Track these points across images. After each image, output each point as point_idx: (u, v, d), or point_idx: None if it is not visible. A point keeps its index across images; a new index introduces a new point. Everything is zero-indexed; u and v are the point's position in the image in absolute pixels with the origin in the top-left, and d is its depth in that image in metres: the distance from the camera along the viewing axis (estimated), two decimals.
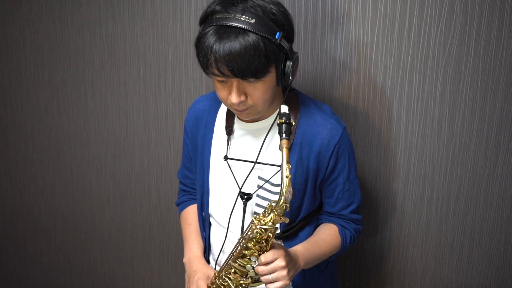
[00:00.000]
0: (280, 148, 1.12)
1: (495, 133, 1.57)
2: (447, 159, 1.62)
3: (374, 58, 1.58)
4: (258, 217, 1.16)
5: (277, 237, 1.33)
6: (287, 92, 1.28)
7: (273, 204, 1.14)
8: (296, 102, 1.31)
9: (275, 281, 1.15)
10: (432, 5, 1.50)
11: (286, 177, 1.09)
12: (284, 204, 1.12)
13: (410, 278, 1.76)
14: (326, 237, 1.34)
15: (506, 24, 1.47)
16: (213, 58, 1.10)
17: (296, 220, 1.35)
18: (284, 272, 1.15)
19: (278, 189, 1.30)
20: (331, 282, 1.49)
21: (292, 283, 1.38)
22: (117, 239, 2.11)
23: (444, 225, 1.68)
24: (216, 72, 1.12)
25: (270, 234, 1.16)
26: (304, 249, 1.27)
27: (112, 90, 1.92)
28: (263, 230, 1.15)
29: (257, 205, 1.33)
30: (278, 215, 1.14)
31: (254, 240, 1.17)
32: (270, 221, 1.14)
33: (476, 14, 1.48)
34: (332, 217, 1.38)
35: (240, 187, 1.32)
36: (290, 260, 1.18)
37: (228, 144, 1.34)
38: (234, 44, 1.07)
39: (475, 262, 1.69)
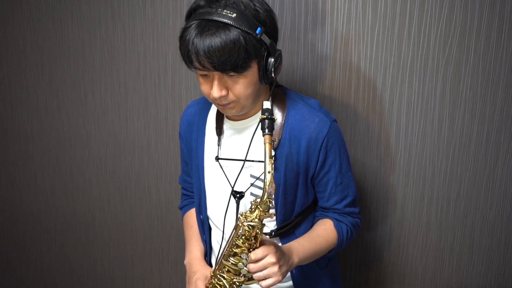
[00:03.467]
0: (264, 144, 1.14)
1: (495, 134, 1.57)
2: (447, 159, 1.62)
3: (374, 58, 1.58)
4: (244, 214, 1.17)
5: (273, 234, 1.34)
6: (273, 89, 1.29)
7: (258, 200, 1.15)
8: (283, 98, 1.32)
9: (267, 278, 1.15)
10: (432, 5, 1.50)
11: (269, 172, 1.11)
12: (267, 200, 1.13)
13: (410, 278, 1.76)
14: (321, 232, 1.33)
15: (506, 24, 1.47)
16: (193, 51, 1.12)
17: (292, 217, 1.35)
18: (275, 269, 1.14)
19: None
20: (333, 280, 1.49)
21: (292, 282, 1.38)
22: (117, 239, 2.11)
23: (444, 225, 1.68)
24: (197, 65, 1.15)
25: (258, 230, 1.16)
26: (298, 245, 1.27)
27: (112, 90, 1.92)
28: (250, 227, 1.15)
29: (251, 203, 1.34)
30: (263, 211, 1.15)
31: (243, 237, 1.17)
32: (256, 217, 1.15)
33: (476, 14, 1.48)
34: (327, 212, 1.37)
35: (232, 186, 1.32)
36: (282, 256, 1.18)
37: (218, 145, 1.36)
38: (214, 38, 1.10)
39: (475, 262, 1.69)
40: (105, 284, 2.20)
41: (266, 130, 1.15)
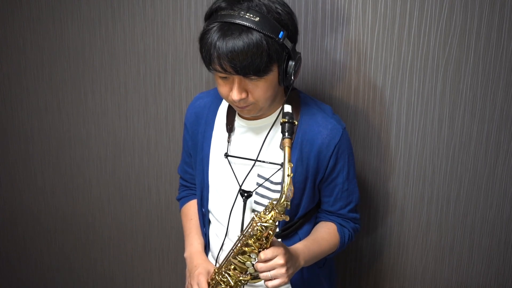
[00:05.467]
0: (282, 147, 1.14)
1: (495, 133, 1.57)
2: (447, 159, 1.62)
3: (374, 58, 1.58)
4: (259, 214, 1.17)
5: (276, 235, 1.34)
6: (289, 92, 1.28)
7: (274, 202, 1.15)
8: (298, 101, 1.32)
9: (274, 279, 1.16)
10: (432, 5, 1.50)
11: (288, 175, 1.10)
12: (285, 202, 1.13)
13: (410, 278, 1.76)
14: (325, 235, 1.35)
15: (506, 24, 1.47)
16: (215, 54, 1.11)
17: (295, 218, 1.36)
18: (283, 270, 1.15)
19: (277, 187, 1.31)
20: (330, 278, 1.50)
21: (291, 281, 1.39)
22: (117, 239, 2.11)
23: (444, 225, 1.68)
24: (219, 68, 1.13)
25: (270, 231, 1.17)
26: (305, 247, 1.28)
27: (112, 90, 1.92)
28: (263, 227, 1.16)
29: (256, 202, 1.34)
30: (279, 213, 1.15)
31: (254, 237, 1.18)
32: (270, 218, 1.15)
33: (476, 14, 1.48)
34: (331, 216, 1.39)
35: (240, 184, 1.32)
36: (290, 258, 1.18)
37: (228, 142, 1.35)
38: (237, 42, 1.09)
39: (475, 262, 1.69)
40: (105, 284, 2.20)
41: (287, 134, 1.14)
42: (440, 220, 1.68)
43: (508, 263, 1.68)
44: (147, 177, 1.98)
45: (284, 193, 1.11)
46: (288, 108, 1.18)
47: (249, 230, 1.18)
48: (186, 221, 1.52)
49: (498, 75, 1.52)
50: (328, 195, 1.36)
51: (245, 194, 1.31)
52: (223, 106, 1.39)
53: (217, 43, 1.10)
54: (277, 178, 1.30)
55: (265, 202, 1.33)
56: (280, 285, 1.16)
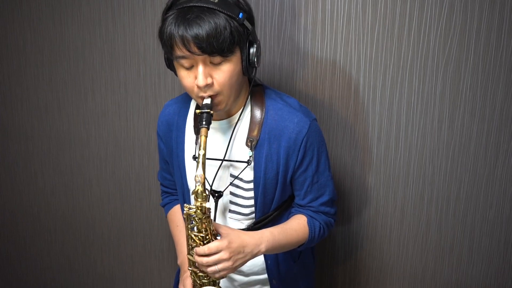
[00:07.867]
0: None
1: (495, 133, 1.57)
2: (447, 159, 1.62)
3: (374, 58, 1.58)
4: (187, 206, 1.18)
5: (249, 229, 1.35)
6: (251, 87, 1.29)
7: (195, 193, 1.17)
8: (262, 97, 1.32)
9: (221, 271, 1.18)
10: (432, 5, 1.50)
11: (198, 162, 1.12)
12: (199, 188, 1.14)
13: (410, 278, 1.76)
14: (294, 226, 1.35)
15: (506, 24, 1.47)
16: (179, 36, 1.12)
17: (269, 211, 1.37)
18: (228, 264, 1.17)
19: (250, 186, 1.32)
20: (306, 271, 1.51)
21: (268, 274, 1.42)
22: (117, 239, 2.11)
23: (444, 225, 1.68)
24: (184, 50, 1.13)
25: (205, 222, 1.18)
26: (270, 235, 1.28)
27: (112, 90, 1.92)
28: (196, 219, 1.17)
29: (231, 202, 1.36)
30: (200, 201, 1.16)
31: (195, 229, 1.19)
32: (197, 208, 1.16)
33: (476, 14, 1.48)
34: (302, 209, 1.39)
35: (210, 185, 1.34)
36: (237, 251, 1.19)
37: (196, 144, 1.36)
38: (200, 20, 1.11)
39: (475, 262, 1.69)
40: (105, 284, 2.20)
41: (204, 123, 1.15)
42: (440, 220, 1.68)
43: (508, 263, 1.68)
44: (147, 177, 1.98)
45: (195, 181, 1.13)
46: (207, 100, 1.19)
47: (186, 223, 1.20)
48: (173, 228, 1.53)
49: (498, 75, 1.52)
50: (298, 189, 1.36)
51: (216, 195, 1.33)
52: (192, 110, 1.39)
53: (180, 25, 1.11)
54: (248, 176, 1.32)
55: (240, 201, 1.35)
56: (224, 277, 1.19)
